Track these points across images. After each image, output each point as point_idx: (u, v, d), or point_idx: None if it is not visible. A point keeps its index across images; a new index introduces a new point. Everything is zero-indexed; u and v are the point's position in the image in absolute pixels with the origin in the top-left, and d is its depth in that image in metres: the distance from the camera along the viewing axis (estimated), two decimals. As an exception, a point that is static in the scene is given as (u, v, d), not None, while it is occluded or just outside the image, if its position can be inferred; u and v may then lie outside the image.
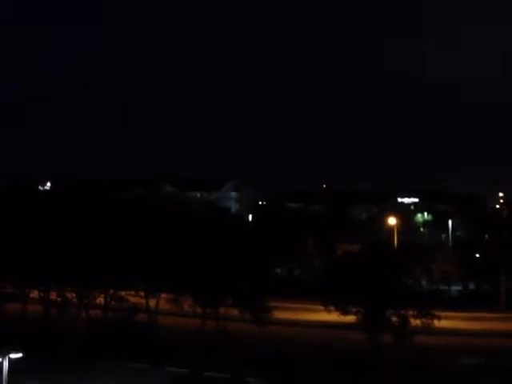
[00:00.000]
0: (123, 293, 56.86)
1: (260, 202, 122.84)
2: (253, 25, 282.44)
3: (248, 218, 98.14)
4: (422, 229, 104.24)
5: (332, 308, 51.17)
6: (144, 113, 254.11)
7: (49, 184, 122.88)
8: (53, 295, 58.06)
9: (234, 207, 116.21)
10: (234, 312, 53.90)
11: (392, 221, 79.95)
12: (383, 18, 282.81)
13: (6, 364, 33.41)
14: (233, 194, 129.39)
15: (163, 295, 57.49)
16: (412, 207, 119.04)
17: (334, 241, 75.09)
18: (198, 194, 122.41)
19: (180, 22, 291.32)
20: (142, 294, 57.41)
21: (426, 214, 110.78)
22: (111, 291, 57.06)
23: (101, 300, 57.51)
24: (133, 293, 57.28)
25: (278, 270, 72.99)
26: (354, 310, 50.20)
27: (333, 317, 52.59)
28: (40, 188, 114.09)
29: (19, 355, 34.05)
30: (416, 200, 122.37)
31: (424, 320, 49.27)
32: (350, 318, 50.76)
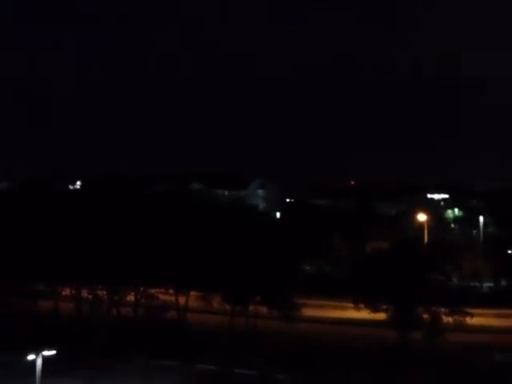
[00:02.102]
0: (153, 290, 57.33)
1: (287, 200, 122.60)
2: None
3: (275, 215, 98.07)
4: (452, 225, 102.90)
5: (361, 305, 50.90)
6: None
7: (79, 183, 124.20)
8: (84, 293, 58.76)
9: (261, 205, 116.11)
10: (263, 309, 53.96)
11: (422, 217, 79.08)
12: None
13: (39, 361, 34.00)
14: (260, 191, 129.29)
15: (193, 293, 57.77)
16: (442, 203, 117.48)
17: (363, 238, 74.55)
18: (226, 192, 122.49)
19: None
20: (172, 291, 57.80)
21: (456, 210, 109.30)
22: (141, 289, 57.53)
23: (131, 298, 58.03)
24: (163, 290, 57.71)
25: (307, 268, 72.69)
26: (383, 307, 49.83)
27: (362, 314, 52.32)
28: (70, 187, 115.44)
29: (52, 352, 34.63)
30: (446, 196, 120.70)
31: (456, 317, 48.70)
32: (380, 316, 50.43)
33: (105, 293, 57.80)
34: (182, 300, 57.99)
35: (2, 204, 65.20)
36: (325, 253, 73.83)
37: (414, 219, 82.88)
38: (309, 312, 54.84)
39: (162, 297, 57.70)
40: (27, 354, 34.22)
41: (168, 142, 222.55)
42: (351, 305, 52.77)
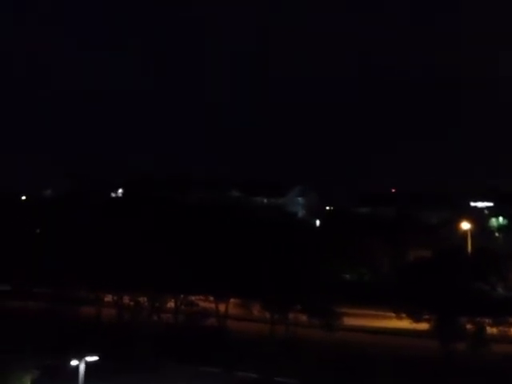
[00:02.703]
0: (193, 297, 57.64)
1: (327, 207, 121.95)
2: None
3: (315, 223, 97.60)
4: (496, 234, 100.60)
5: (403, 315, 50.15)
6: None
7: (120, 190, 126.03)
8: (125, 299, 59.47)
9: (300, 212, 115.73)
10: (303, 318, 53.64)
11: (465, 225, 77.55)
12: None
13: (82, 367, 34.47)
14: (299, 199, 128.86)
15: (232, 300, 57.86)
16: (486, 211, 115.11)
17: (404, 246, 73.50)
18: (265, 200, 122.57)
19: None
20: (212, 298, 58.01)
21: (500, 218, 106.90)
22: (181, 296, 57.91)
23: (171, 304, 58.48)
24: (202, 297, 57.96)
25: (347, 276, 72.05)
26: (426, 317, 48.98)
27: (404, 324, 51.52)
28: (113, 195, 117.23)
29: (95, 358, 35.08)
30: (490, 204, 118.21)
31: (501, 328, 47.57)
32: (423, 326, 49.56)
33: (145, 299, 58.42)
34: (221, 307, 58.17)
35: (47, 211, 66.57)
36: (365, 261, 73.09)
37: (456, 227, 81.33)
38: (350, 321, 54.26)
39: (202, 304, 58.01)
40: (70, 360, 34.72)
41: (202, 147, 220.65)
42: (393, 314, 52.03)
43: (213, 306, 57.90)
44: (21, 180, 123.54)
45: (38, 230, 67.18)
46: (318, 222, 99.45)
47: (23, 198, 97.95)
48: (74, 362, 34.61)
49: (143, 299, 58.41)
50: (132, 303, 58.75)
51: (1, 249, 59.56)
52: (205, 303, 58.20)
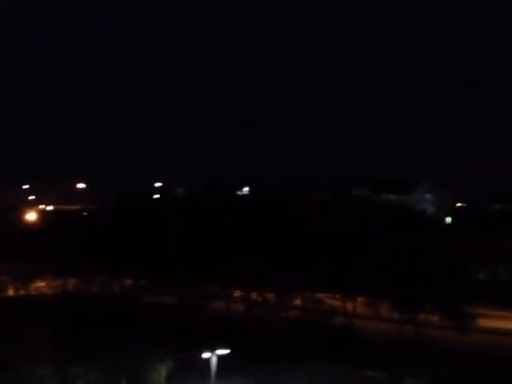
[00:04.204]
0: (320, 295, 57.59)
1: (458, 204, 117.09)
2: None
3: (445, 220, 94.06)
4: None
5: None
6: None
7: (246, 189, 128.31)
8: (253, 295, 60.64)
9: (429, 210, 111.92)
10: (434, 318, 51.84)
11: None
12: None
13: (214, 359, 35.53)
14: (427, 196, 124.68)
15: (360, 298, 57.13)
16: None
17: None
18: (393, 197, 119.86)
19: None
20: (338, 296, 57.63)
21: None
22: (308, 293, 58.04)
23: (298, 301, 58.79)
24: (329, 295, 57.75)
25: (481, 275, 68.59)
26: None
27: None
28: (238, 193, 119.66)
29: (226, 351, 36.03)
30: None
31: None
32: None
33: (272, 296, 59.21)
34: (348, 305, 57.60)
35: (182, 210, 69.27)
36: (501, 260, 69.22)
37: None
38: (485, 322, 51.68)
39: (329, 301, 57.81)
40: (203, 352, 35.87)
41: (329, 148, 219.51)
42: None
43: (339, 304, 57.50)
44: (151, 180, 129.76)
45: (172, 228, 69.92)
46: (448, 220, 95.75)
47: (156, 196, 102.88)
48: (206, 355, 35.69)
49: (270, 295, 59.20)
50: (259, 299, 59.76)
51: (139, 246, 62.74)
52: (331, 301, 57.95)
